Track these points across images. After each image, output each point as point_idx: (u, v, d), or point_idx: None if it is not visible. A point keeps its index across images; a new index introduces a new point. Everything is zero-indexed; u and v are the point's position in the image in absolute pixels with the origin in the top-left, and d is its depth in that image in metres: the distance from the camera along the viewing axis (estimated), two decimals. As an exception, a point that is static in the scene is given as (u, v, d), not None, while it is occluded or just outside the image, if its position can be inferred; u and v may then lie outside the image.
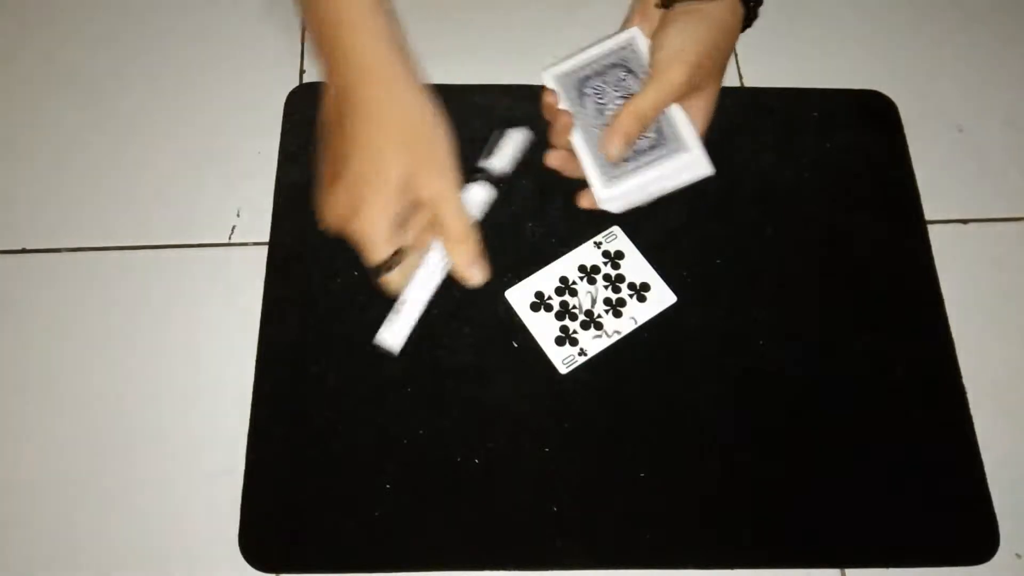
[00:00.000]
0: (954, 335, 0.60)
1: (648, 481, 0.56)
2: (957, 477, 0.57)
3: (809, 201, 0.63)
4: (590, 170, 0.55)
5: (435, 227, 0.53)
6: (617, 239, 0.61)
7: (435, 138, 0.53)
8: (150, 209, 0.63)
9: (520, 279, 0.60)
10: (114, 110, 0.66)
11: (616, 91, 0.57)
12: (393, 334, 0.54)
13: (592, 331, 0.58)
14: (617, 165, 0.55)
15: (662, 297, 0.59)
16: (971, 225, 0.64)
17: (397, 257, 0.52)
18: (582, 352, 0.58)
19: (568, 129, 0.56)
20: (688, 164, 0.55)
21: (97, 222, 0.62)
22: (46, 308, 0.60)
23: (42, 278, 0.61)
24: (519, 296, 0.60)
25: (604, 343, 0.58)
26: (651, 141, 0.56)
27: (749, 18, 0.58)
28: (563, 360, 0.58)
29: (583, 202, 0.57)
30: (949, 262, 0.62)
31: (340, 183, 0.52)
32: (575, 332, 0.58)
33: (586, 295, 0.59)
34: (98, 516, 0.55)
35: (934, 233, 0.63)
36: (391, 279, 0.53)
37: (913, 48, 0.70)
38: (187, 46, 0.68)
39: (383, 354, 0.55)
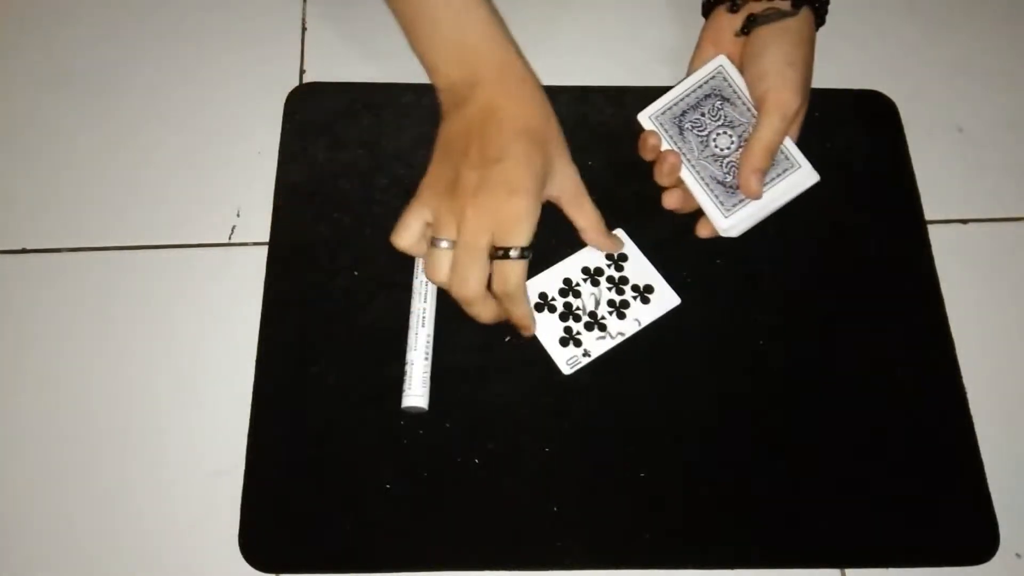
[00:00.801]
0: (954, 335, 0.60)
1: (648, 481, 0.56)
2: (957, 477, 0.57)
3: (809, 201, 0.63)
4: (706, 202, 0.58)
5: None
6: (625, 242, 0.61)
7: (559, 142, 0.57)
8: (150, 209, 0.63)
9: (520, 279, 0.60)
10: (114, 110, 0.66)
11: (715, 121, 0.58)
12: (416, 396, 0.56)
13: (596, 332, 0.58)
14: (733, 193, 0.58)
15: (666, 299, 0.59)
16: (971, 225, 0.64)
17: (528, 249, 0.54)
18: (586, 353, 0.58)
19: (677, 168, 0.58)
20: (799, 179, 0.58)
21: (97, 222, 0.62)
22: (46, 308, 0.60)
23: (42, 278, 0.61)
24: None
25: (608, 344, 0.58)
26: None
27: (818, 24, 0.60)
28: (567, 361, 0.58)
29: (703, 232, 0.60)
30: (949, 262, 0.62)
31: (495, 172, 0.53)
32: (579, 333, 0.58)
33: (590, 297, 0.59)
34: (97, 516, 0.55)
35: (934, 233, 0.63)
36: (515, 271, 0.54)
37: (913, 48, 0.70)
38: (187, 46, 0.68)
39: (413, 413, 0.56)
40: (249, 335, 0.59)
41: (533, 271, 0.60)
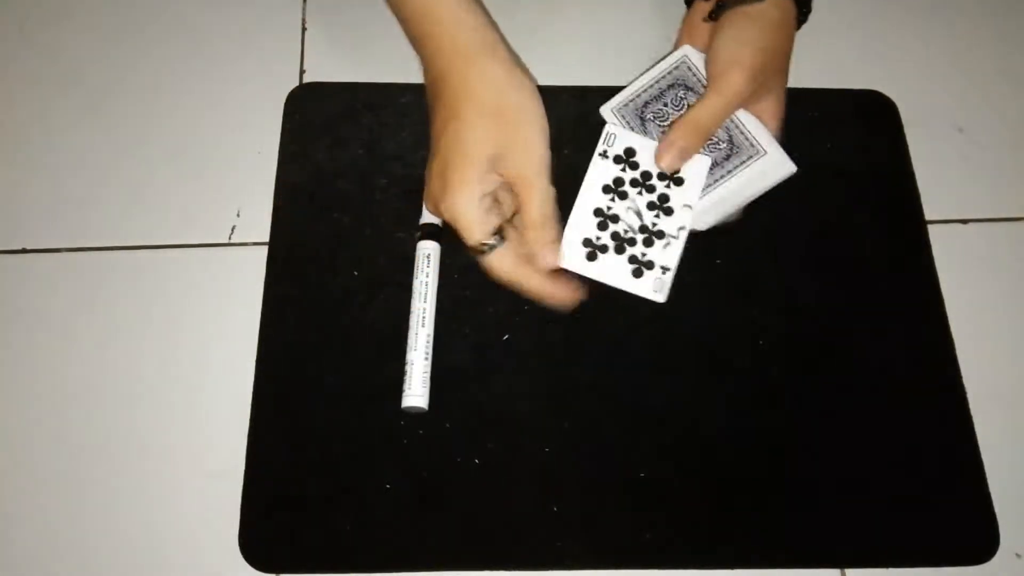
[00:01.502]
0: (954, 335, 0.60)
1: (648, 481, 0.56)
2: (957, 477, 0.57)
3: (809, 201, 0.63)
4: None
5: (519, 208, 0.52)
6: (617, 136, 0.56)
7: (525, 117, 0.52)
8: (150, 209, 0.63)
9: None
10: (114, 110, 0.66)
11: (678, 110, 0.57)
12: (416, 396, 0.55)
13: (659, 243, 0.54)
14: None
15: (695, 168, 0.55)
16: (971, 225, 0.64)
17: (496, 237, 0.52)
18: (664, 269, 0.53)
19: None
20: (768, 167, 0.55)
21: (97, 222, 0.62)
22: (46, 308, 0.60)
23: (42, 278, 0.61)
24: (570, 256, 0.54)
25: (678, 248, 0.54)
26: (724, 152, 0.55)
27: (803, 12, 0.58)
28: (653, 290, 0.53)
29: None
30: (949, 262, 0.62)
31: (433, 164, 0.52)
32: (644, 255, 0.54)
33: (628, 212, 0.54)
34: (97, 516, 0.55)
35: (934, 233, 0.63)
36: (493, 262, 0.53)
37: (913, 48, 0.70)
38: (187, 46, 0.68)
39: (413, 413, 0.57)
40: (249, 335, 0.59)
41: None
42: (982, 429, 0.58)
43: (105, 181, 0.64)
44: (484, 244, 0.52)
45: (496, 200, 0.53)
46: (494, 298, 0.60)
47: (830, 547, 0.55)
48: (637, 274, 0.53)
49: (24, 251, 0.62)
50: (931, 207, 0.64)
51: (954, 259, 0.63)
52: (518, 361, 0.58)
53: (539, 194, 0.52)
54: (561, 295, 0.54)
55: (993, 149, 0.67)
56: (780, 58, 0.57)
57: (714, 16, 0.57)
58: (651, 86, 0.58)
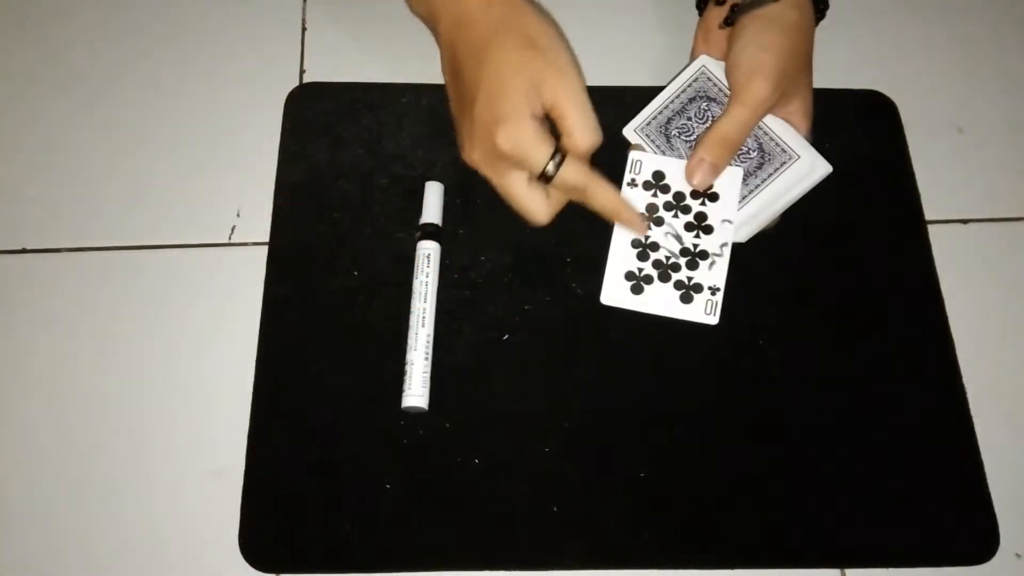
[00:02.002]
0: (954, 335, 0.60)
1: (648, 481, 0.56)
2: (957, 477, 0.57)
3: (809, 201, 0.63)
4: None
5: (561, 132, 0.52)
6: (643, 162, 0.55)
7: (554, 44, 0.53)
8: (150, 209, 0.63)
9: (521, 276, 0.60)
10: (114, 110, 0.66)
11: (703, 124, 0.56)
12: (416, 396, 0.55)
13: (703, 264, 0.53)
14: None
15: (729, 181, 0.54)
16: (971, 225, 0.64)
17: (557, 156, 0.52)
18: (713, 290, 0.53)
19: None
20: (803, 171, 0.54)
21: (97, 222, 0.62)
22: (46, 308, 0.60)
23: (42, 278, 0.61)
24: (614, 292, 0.54)
25: (723, 266, 0.53)
26: (756, 161, 0.55)
27: (820, 9, 0.57)
28: (705, 312, 0.53)
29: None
30: (949, 262, 0.62)
31: (475, 109, 0.52)
32: (691, 279, 0.53)
33: (667, 237, 0.54)
34: (97, 516, 0.55)
35: (934, 233, 0.63)
36: (566, 176, 0.52)
37: (913, 48, 0.70)
38: (187, 46, 0.68)
39: (413, 413, 0.57)
40: (249, 335, 0.59)
41: (535, 267, 0.59)
42: (982, 429, 0.58)
43: (105, 181, 0.64)
44: (551, 161, 0.52)
45: (544, 125, 0.53)
46: (494, 298, 0.60)
47: (830, 547, 0.55)
48: (686, 299, 0.53)
49: (24, 251, 0.62)
50: (931, 207, 0.64)
51: (954, 259, 0.63)
52: (518, 361, 0.58)
53: (585, 112, 0.52)
54: (630, 212, 0.54)
55: (993, 149, 0.67)
56: (801, 59, 0.55)
57: (730, 21, 0.56)
58: (672, 101, 0.58)
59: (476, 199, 0.62)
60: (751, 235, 0.56)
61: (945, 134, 0.67)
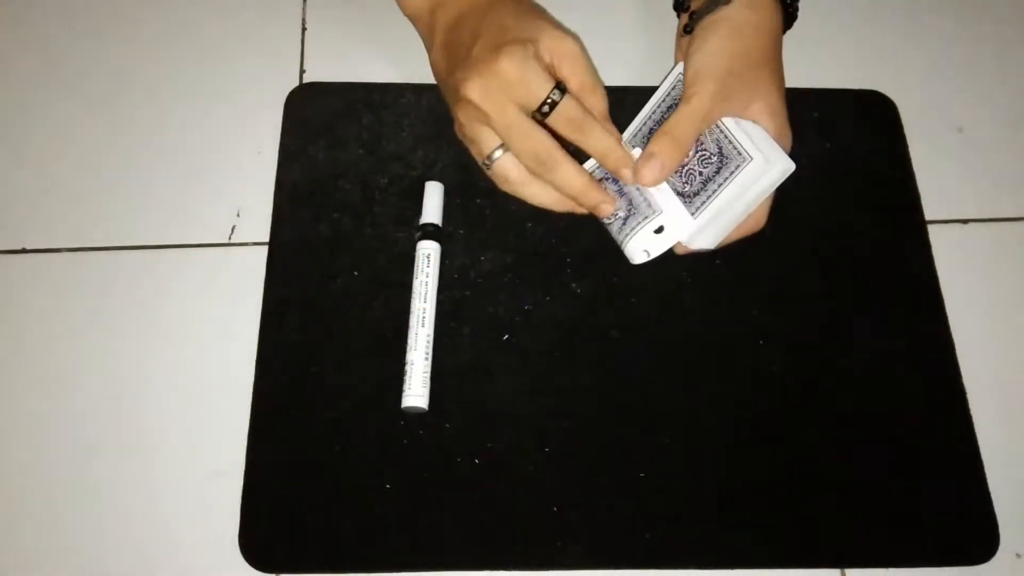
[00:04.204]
0: (954, 335, 0.60)
1: (648, 481, 0.56)
2: (957, 477, 0.57)
3: (809, 201, 0.63)
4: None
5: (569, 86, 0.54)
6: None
7: (548, 15, 0.56)
8: (150, 209, 0.63)
9: (521, 276, 0.60)
10: (114, 110, 0.66)
11: None
12: (416, 396, 0.55)
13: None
14: (691, 202, 0.55)
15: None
16: (971, 225, 0.64)
17: (554, 92, 0.53)
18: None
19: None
20: (757, 172, 0.54)
21: (97, 222, 0.62)
22: (46, 308, 0.60)
23: (42, 278, 0.61)
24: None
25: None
26: (715, 165, 0.55)
27: (789, 10, 0.58)
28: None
29: (679, 250, 0.57)
30: (949, 262, 0.62)
31: (472, 56, 0.53)
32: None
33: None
34: (96, 516, 0.55)
35: (934, 233, 0.63)
36: (560, 116, 0.53)
37: (913, 48, 0.70)
38: (187, 46, 0.68)
39: (413, 413, 0.57)
40: (249, 335, 0.59)
41: (535, 269, 0.59)
42: (982, 429, 0.58)
43: (105, 181, 0.64)
44: (549, 98, 0.53)
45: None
46: (494, 298, 0.60)
47: (830, 547, 0.55)
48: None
49: (24, 251, 0.62)
50: (931, 207, 0.64)
51: (954, 259, 0.63)
52: (518, 361, 0.58)
53: (582, 59, 0.54)
54: (619, 158, 0.55)
55: (993, 149, 0.67)
56: (756, 58, 0.56)
57: (688, 29, 0.57)
58: (654, 111, 0.58)
59: (476, 199, 0.62)
60: (717, 241, 0.57)
61: (945, 134, 0.67)
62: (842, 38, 0.70)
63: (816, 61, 0.68)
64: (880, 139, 0.66)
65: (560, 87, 0.53)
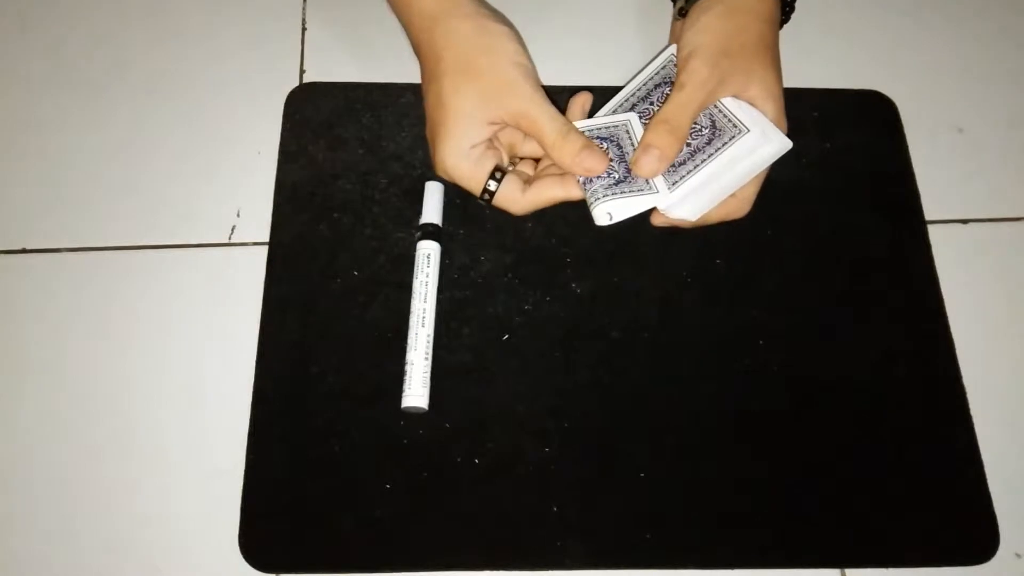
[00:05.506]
0: (954, 335, 0.60)
1: (648, 481, 0.56)
2: (957, 477, 0.57)
3: (809, 201, 0.63)
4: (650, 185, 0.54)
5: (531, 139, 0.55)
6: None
7: (497, 60, 0.54)
8: (150, 209, 0.63)
9: (521, 276, 0.60)
10: (114, 110, 0.66)
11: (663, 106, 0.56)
12: (416, 396, 0.56)
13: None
14: (676, 171, 0.54)
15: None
16: (971, 225, 0.65)
17: (493, 182, 0.54)
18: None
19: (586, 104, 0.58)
20: (751, 144, 0.53)
21: (97, 222, 0.62)
22: (46, 308, 0.60)
23: (42, 278, 0.61)
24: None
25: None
26: (706, 137, 0.54)
27: (787, 9, 0.58)
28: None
29: (656, 220, 0.55)
30: (949, 262, 0.62)
31: (426, 130, 0.56)
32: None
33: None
34: (97, 516, 0.55)
35: (934, 233, 0.63)
36: (506, 202, 0.55)
37: (913, 48, 0.70)
38: (187, 46, 0.68)
39: (413, 413, 0.57)
40: (249, 335, 0.59)
41: (534, 269, 0.59)
42: (982, 429, 0.58)
43: (105, 181, 0.64)
44: (485, 191, 0.55)
45: (489, 146, 0.55)
46: (494, 298, 0.60)
47: (830, 547, 0.55)
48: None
49: (24, 251, 0.62)
50: (931, 207, 0.64)
51: (954, 259, 0.63)
52: (518, 361, 0.58)
53: (542, 115, 0.53)
54: (587, 163, 0.54)
55: (993, 149, 0.67)
56: (750, 38, 0.55)
57: (683, 12, 0.57)
58: (639, 89, 0.58)
59: (476, 199, 0.62)
60: (698, 215, 0.54)
61: (945, 134, 0.67)
62: (842, 38, 0.70)
63: (816, 61, 0.68)
64: (880, 139, 0.66)
65: (498, 172, 0.55)
